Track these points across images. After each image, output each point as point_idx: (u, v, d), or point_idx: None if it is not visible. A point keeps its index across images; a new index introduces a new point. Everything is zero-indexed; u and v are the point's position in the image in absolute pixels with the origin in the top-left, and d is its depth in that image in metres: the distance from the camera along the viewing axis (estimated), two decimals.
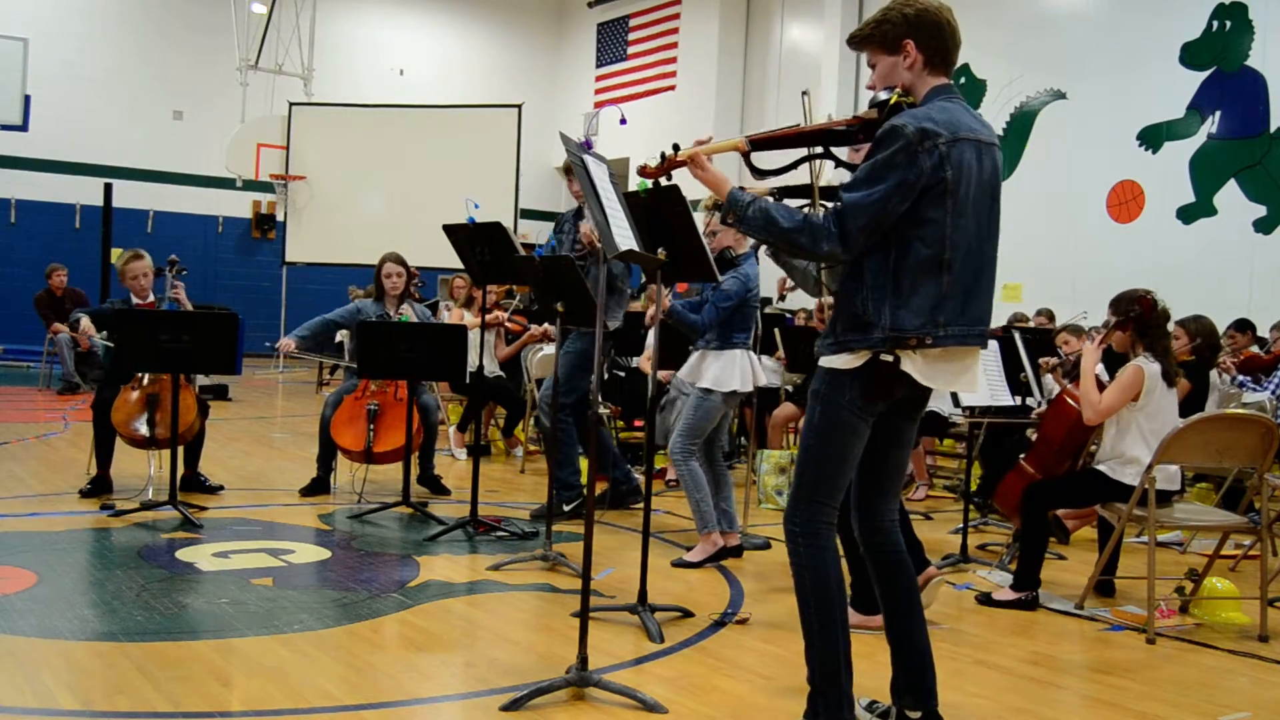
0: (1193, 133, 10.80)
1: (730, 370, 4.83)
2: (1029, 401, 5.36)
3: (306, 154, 15.45)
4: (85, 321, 5.98)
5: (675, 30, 16.75)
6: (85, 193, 15.27)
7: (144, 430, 5.74)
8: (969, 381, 2.77)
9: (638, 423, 8.16)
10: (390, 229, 14.02)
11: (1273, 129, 10.23)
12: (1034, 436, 5.34)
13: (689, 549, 5.04)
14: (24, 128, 13.89)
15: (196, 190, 16.53)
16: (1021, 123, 12.38)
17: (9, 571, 4.24)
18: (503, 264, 5.26)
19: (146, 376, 5.84)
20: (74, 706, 2.93)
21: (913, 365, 2.64)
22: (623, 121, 6.00)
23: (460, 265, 5.78)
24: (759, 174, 2.92)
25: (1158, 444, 4.14)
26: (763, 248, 4.41)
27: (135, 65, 16.09)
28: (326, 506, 5.91)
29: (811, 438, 2.74)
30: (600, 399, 4.96)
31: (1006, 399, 5.17)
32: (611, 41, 17.98)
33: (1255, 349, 8.07)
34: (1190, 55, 10.81)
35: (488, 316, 6.66)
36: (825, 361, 2.72)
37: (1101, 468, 4.41)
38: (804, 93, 3.21)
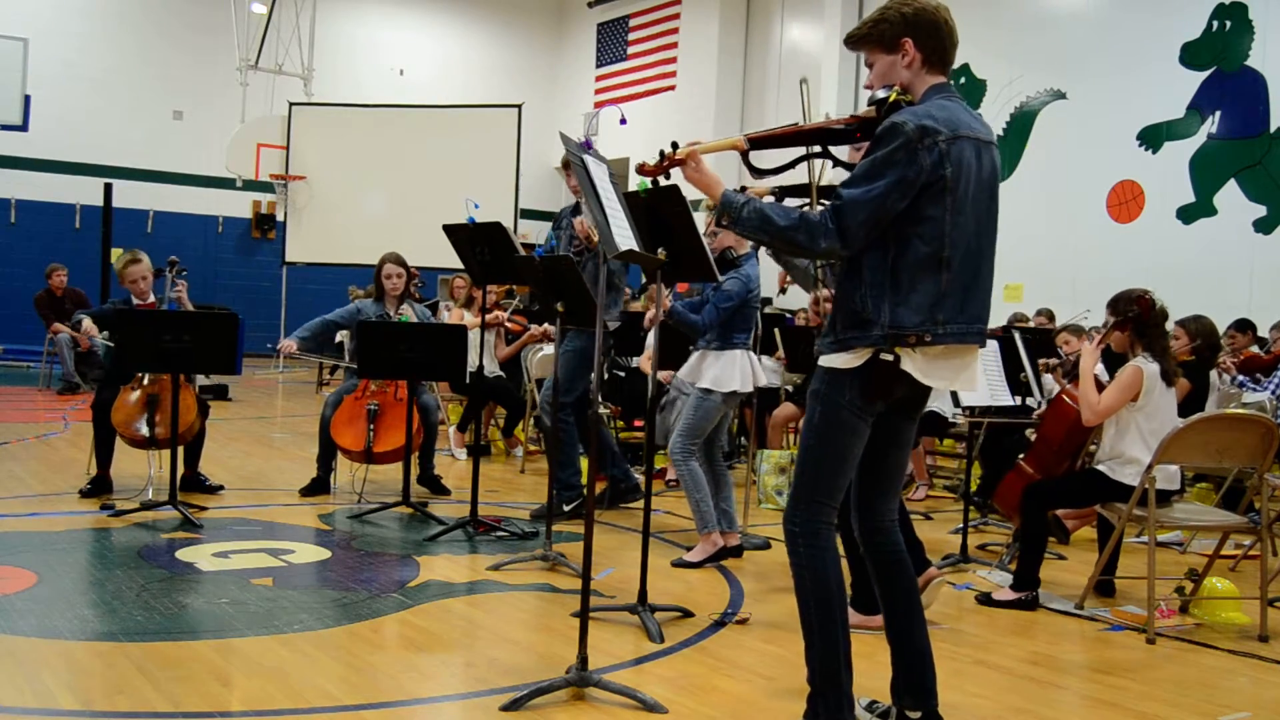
0: (1193, 133, 10.81)
1: (730, 370, 4.83)
2: (1029, 402, 5.36)
3: (306, 154, 15.45)
4: (87, 322, 5.99)
5: (675, 30, 16.75)
6: (85, 193, 15.28)
7: (144, 430, 5.74)
8: (968, 379, 2.77)
9: (638, 423, 8.16)
10: (390, 229, 14.02)
11: (1273, 129, 10.24)
12: (1033, 437, 5.34)
13: (689, 549, 5.04)
14: (24, 128, 13.90)
15: (196, 190, 16.53)
16: (1021, 123, 12.38)
17: (9, 571, 4.24)
18: (503, 264, 5.26)
19: (146, 376, 5.84)
20: (74, 706, 2.93)
21: (913, 364, 2.64)
22: (623, 121, 5.99)
23: (460, 265, 5.78)
24: (757, 173, 2.92)
25: (1157, 444, 4.14)
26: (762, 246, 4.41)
27: (135, 65, 16.10)
28: (326, 506, 5.91)
29: (811, 438, 2.74)
30: (600, 399, 4.96)
31: (1006, 399, 5.17)
32: (611, 41, 17.99)
33: (1255, 349, 8.07)
34: (1190, 55, 10.81)
35: (488, 316, 6.65)
36: (825, 361, 2.72)
37: (1101, 468, 4.41)
38: (802, 81, 3.22)
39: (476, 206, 5.81)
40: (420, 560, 4.78)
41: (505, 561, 4.71)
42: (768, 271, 5.14)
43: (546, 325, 7.37)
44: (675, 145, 2.86)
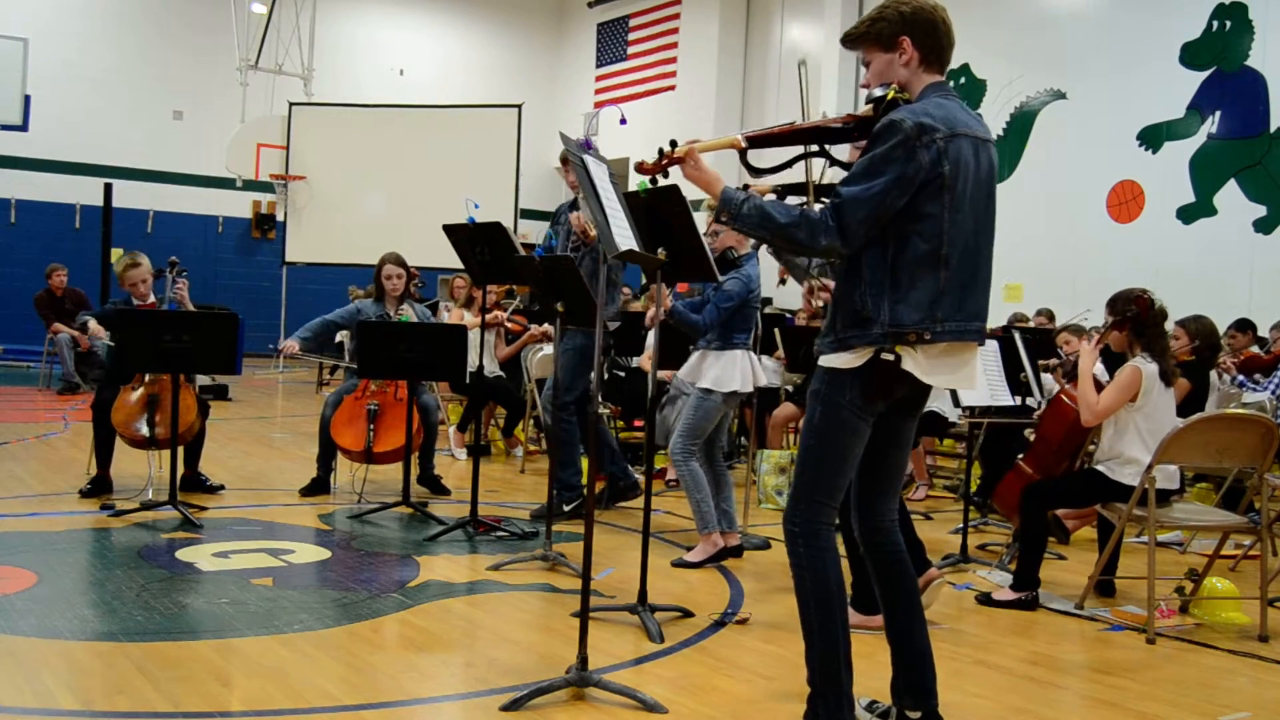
0: (1193, 133, 10.81)
1: (731, 371, 4.83)
2: (1029, 402, 5.36)
3: (306, 154, 15.45)
4: (94, 324, 5.99)
5: (675, 30, 16.75)
6: (85, 193, 15.27)
7: (144, 430, 5.74)
8: (967, 377, 2.77)
9: (638, 423, 8.16)
10: (390, 229, 14.02)
11: (1273, 129, 10.24)
12: (1032, 437, 5.34)
13: (689, 549, 5.04)
14: (24, 128, 13.89)
15: (196, 190, 16.53)
16: (1021, 123, 12.38)
17: (9, 571, 4.24)
18: (503, 264, 5.25)
19: (147, 376, 5.84)
20: (74, 706, 2.93)
21: (914, 363, 2.64)
22: (623, 121, 5.99)
23: (460, 265, 5.78)
24: (755, 172, 2.92)
25: (1155, 444, 4.14)
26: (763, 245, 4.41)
27: (135, 65, 16.10)
28: (326, 506, 5.91)
29: (812, 438, 2.74)
30: (600, 398, 4.96)
31: (1006, 399, 5.17)
32: (611, 41, 17.99)
33: (1255, 349, 8.08)
34: (1190, 55, 10.81)
35: (488, 316, 6.66)
36: (825, 361, 2.72)
37: (1100, 468, 4.41)
38: (801, 62, 3.21)
39: (476, 206, 5.81)
40: (420, 560, 4.78)
41: (505, 561, 4.71)
42: (768, 271, 5.14)
43: (546, 325, 7.37)
44: (674, 143, 2.86)
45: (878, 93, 2.76)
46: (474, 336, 6.89)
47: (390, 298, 6.43)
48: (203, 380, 8.64)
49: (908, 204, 2.60)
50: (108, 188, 14.12)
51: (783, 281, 5.41)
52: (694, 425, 4.88)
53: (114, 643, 3.46)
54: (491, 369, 7.92)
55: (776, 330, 7.49)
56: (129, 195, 15.38)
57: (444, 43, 18.62)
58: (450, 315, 8.46)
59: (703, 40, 16.21)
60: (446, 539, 5.17)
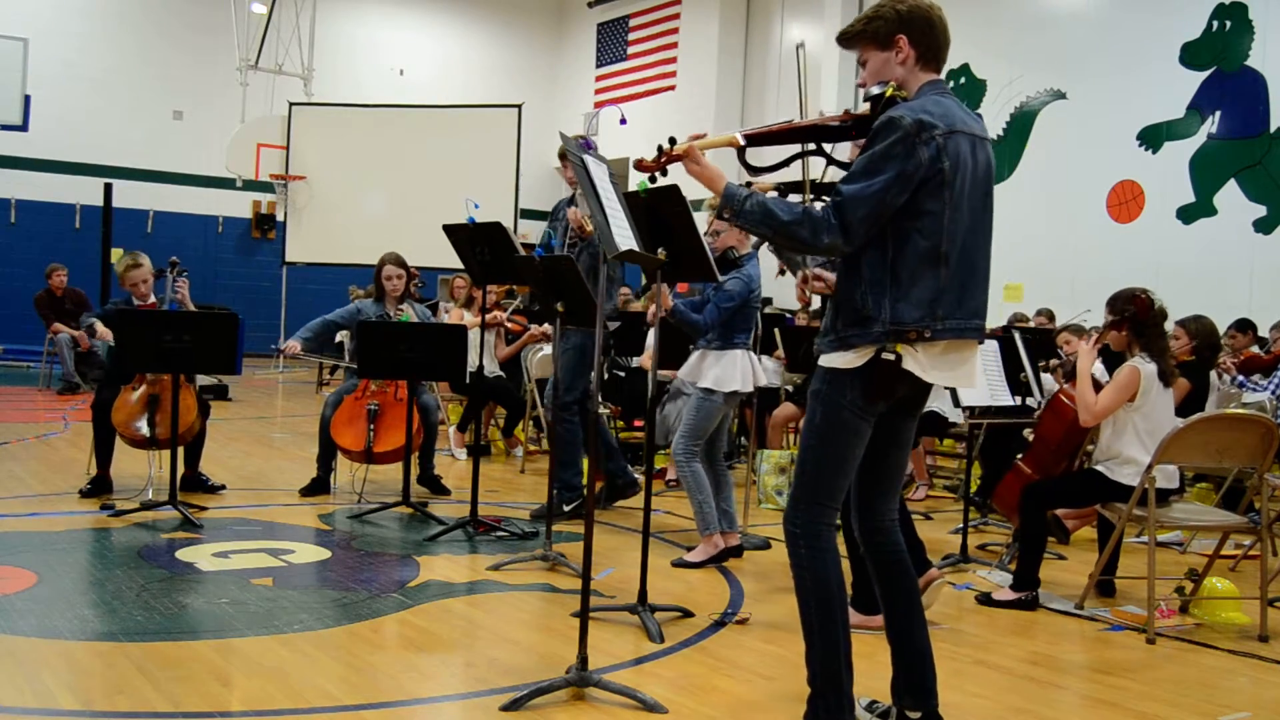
0: (1193, 133, 10.81)
1: (731, 371, 4.83)
2: (1029, 402, 5.36)
3: (306, 154, 15.45)
4: (100, 326, 5.96)
5: (675, 30, 16.75)
6: (85, 193, 15.28)
7: (144, 430, 5.74)
8: (967, 375, 2.77)
9: (638, 423, 8.16)
10: (390, 229, 14.03)
11: (1273, 129, 10.24)
12: (1031, 437, 5.34)
13: (689, 549, 5.04)
14: (24, 128, 13.90)
15: (196, 190, 16.53)
16: (1021, 123, 12.38)
17: (9, 571, 4.24)
18: (503, 264, 5.25)
19: (147, 376, 5.84)
20: (74, 706, 2.93)
21: (915, 362, 2.64)
22: (623, 121, 5.97)
23: (460, 265, 5.78)
24: (753, 170, 2.92)
25: (1153, 444, 4.14)
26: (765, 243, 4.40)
27: (135, 65, 16.10)
28: (326, 506, 5.91)
29: (812, 438, 2.74)
30: (600, 398, 4.95)
31: (1006, 399, 5.17)
32: (611, 41, 17.99)
33: (1255, 349, 8.08)
34: (1190, 55, 10.81)
35: (488, 316, 6.65)
36: (826, 360, 2.72)
37: (1099, 468, 4.41)
38: (799, 46, 3.20)
39: (476, 206, 5.80)
40: (420, 560, 4.78)
41: (505, 561, 4.71)
42: (769, 270, 5.14)
43: (546, 325, 7.37)
44: (673, 141, 2.86)
45: (875, 91, 2.76)
46: (474, 336, 6.89)
47: (390, 298, 6.43)
48: (203, 380, 8.64)
49: (908, 201, 2.60)
50: (108, 188, 14.13)
51: (782, 272, 5.41)
52: (696, 426, 4.88)
53: (114, 643, 3.46)
54: (491, 369, 7.92)
55: (776, 330, 7.49)
56: (129, 195, 15.39)
57: (444, 43, 18.62)
58: (450, 315, 8.46)
59: (703, 40, 16.22)
60: (446, 539, 5.17)
